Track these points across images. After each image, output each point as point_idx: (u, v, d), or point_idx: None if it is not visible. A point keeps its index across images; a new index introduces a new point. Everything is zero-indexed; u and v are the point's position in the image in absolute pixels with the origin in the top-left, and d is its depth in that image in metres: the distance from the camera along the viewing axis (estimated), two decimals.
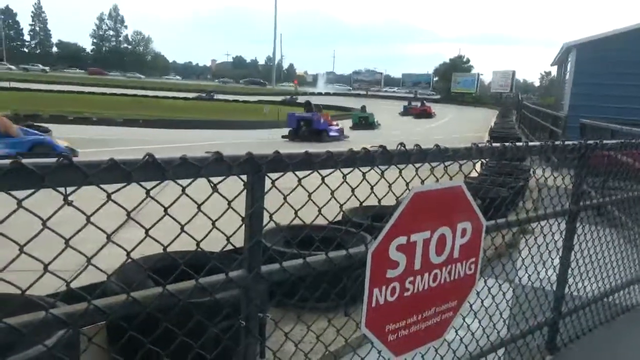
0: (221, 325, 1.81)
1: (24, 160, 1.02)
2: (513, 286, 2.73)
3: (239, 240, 1.48)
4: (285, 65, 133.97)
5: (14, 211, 1.01)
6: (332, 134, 18.26)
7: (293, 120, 18.12)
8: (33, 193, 1.04)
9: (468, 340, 2.39)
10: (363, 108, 28.40)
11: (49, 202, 1.01)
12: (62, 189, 1.08)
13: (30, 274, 1.08)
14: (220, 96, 47.81)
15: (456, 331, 2.19)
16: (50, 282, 1.26)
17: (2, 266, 1.04)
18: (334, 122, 20.03)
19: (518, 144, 2.31)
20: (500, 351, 2.67)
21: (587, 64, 13.83)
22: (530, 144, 2.40)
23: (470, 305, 2.17)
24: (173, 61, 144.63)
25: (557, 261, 2.91)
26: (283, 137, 17.99)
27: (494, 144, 2.18)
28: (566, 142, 2.66)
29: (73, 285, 1.22)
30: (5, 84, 39.47)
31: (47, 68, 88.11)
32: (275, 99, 44.85)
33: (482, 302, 2.34)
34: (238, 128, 22.06)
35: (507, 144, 2.24)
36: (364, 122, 26.44)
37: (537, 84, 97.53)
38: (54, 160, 1.06)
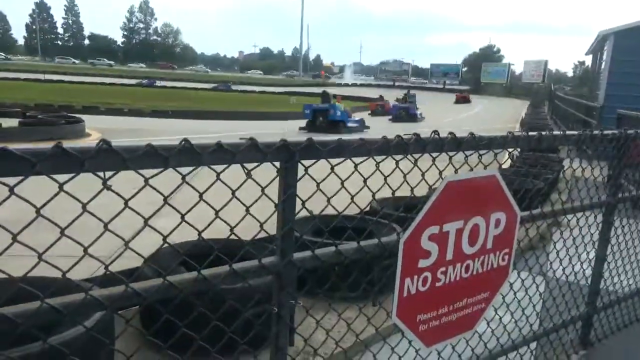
0: (253, 311, 1.83)
1: (65, 145, 1.04)
2: (547, 279, 2.67)
3: (267, 228, 1.48)
4: (312, 56, 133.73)
5: (56, 194, 1.03)
6: (350, 124, 17.79)
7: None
8: (74, 177, 1.06)
9: (500, 332, 2.35)
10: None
11: (82, 191, 1.03)
12: (100, 174, 1.10)
13: (67, 259, 1.09)
14: (248, 87, 47.94)
15: (488, 323, 2.16)
16: (84, 268, 1.28)
17: (42, 250, 1.06)
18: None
19: (555, 132, 2.25)
20: (533, 345, 2.62)
21: (624, 52, 13.33)
22: (568, 132, 2.33)
23: (503, 298, 2.14)
24: (201, 53, 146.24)
25: (592, 255, 2.83)
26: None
27: (530, 133, 2.12)
28: (605, 132, 2.58)
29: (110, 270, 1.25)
30: (40, 76, 40.56)
31: (112, 62, 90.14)
32: (303, 90, 44.75)
33: (514, 294, 2.30)
34: (264, 119, 22.18)
35: (543, 132, 2.18)
36: (404, 113, 25.73)
37: (570, 74, 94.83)
38: (93, 145, 1.08)
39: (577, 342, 2.98)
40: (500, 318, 2.28)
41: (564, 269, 2.62)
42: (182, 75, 66.36)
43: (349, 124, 17.94)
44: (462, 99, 48.53)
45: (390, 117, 25.93)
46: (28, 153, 1.00)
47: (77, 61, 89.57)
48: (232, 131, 13.89)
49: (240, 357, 1.56)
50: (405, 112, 24.47)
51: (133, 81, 43.77)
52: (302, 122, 18.39)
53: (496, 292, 2.05)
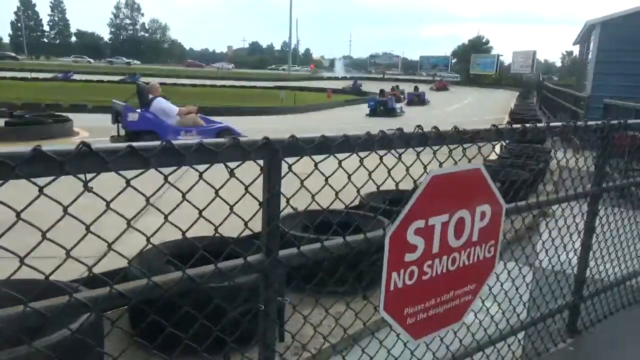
0: (240, 309, 1.83)
1: (44, 147, 1.03)
2: (533, 269, 2.70)
3: (252, 226, 1.48)
4: (301, 50, 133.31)
5: (36, 198, 1.03)
6: (398, 110, 23.38)
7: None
8: (54, 180, 1.06)
9: (487, 323, 2.38)
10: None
11: (66, 193, 1.03)
12: (81, 176, 1.09)
13: (52, 261, 1.10)
14: (241, 82, 47.52)
15: (475, 315, 2.18)
16: (71, 270, 1.28)
17: (25, 253, 1.06)
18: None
19: (539, 124, 2.27)
20: (520, 335, 2.65)
21: (611, 41, 13.42)
22: (552, 124, 2.35)
23: (490, 289, 2.16)
24: (190, 48, 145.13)
25: (578, 244, 2.87)
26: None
27: (514, 125, 2.14)
28: (589, 123, 2.60)
29: (94, 271, 1.25)
30: (27, 75, 40.06)
31: (130, 61, 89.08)
32: (291, 85, 44.56)
33: (501, 285, 2.33)
34: (254, 114, 22.04)
35: (527, 124, 2.20)
36: (417, 99, 30.95)
37: (558, 64, 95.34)
38: (72, 147, 1.07)
39: (565, 330, 3.03)
40: (488, 309, 2.31)
41: (550, 259, 2.65)
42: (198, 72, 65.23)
43: (398, 110, 23.52)
44: (442, 87, 53.45)
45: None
46: (6, 156, 0.99)
47: (91, 60, 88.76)
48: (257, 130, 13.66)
49: (229, 355, 1.57)
50: (418, 98, 31.25)
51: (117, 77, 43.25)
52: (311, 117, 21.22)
53: (483, 284, 2.07)
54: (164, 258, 2.36)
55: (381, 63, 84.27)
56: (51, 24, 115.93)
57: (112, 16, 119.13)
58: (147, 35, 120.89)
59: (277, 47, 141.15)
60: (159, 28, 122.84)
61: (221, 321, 1.54)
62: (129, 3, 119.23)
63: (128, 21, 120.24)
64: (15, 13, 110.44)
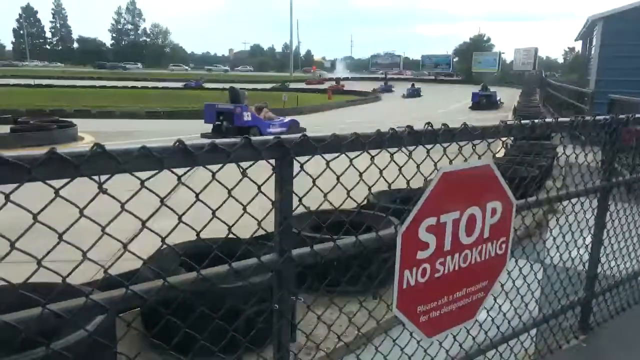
0: (254, 309, 1.83)
1: (60, 150, 1.03)
2: (544, 266, 2.69)
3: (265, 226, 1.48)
4: (302, 52, 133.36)
5: (52, 200, 1.03)
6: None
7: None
8: (69, 182, 1.06)
9: (500, 321, 2.37)
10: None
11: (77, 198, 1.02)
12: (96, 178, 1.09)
13: (66, 264, 1.09)
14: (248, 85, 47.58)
15: (488, 312, 2.17)
16: (84, 272, 1.27)
17: (41, 256, 1.06)
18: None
19: (547, 120, 2.26)
20: (533, 331, 2.64)
21: (613, 36, 13.39)
22: (560, 119, 2.34)
23: (502, 286, 2.15)
24: (191, 52, 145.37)
25: (588, 240, 2.85)
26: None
27: (523, 121, 2.13)
28: (597, 117, 2.59)
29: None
30: (30, 82, 40.28)
31: (190, 67, 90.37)
32: (296, 87, 44.63)
33: (513, 282, 2.32)
34: None
35: (536, 120, 2.19)
36: (485, 100, 28.70)
37: (560, 60, 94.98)
38: (87, 149, 1.07)
39: (577, 327, 3.01)
40: (500, 306, 2.30)
41: (561, 255, 2.64)
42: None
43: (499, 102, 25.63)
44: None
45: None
46: (22, 159, 1.00)
47: (187, 68, 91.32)
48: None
49: (243, 356, 1.56)
50: (487, 99, 28.99)
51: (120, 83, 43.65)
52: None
53: (495, 281, 2.06)
54: (177, 260, 2.36)
55: (382, 63, 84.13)
56: (53, 30, 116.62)
57: (113, 22, 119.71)
58: (148, 40, 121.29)
59: (279, 49, 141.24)
60: (161, 32, 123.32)
61: (235, 322, 1.54)
62: (130, 8, 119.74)
63: (130, 26, 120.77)
64: (17, 20, 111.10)
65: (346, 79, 64.50)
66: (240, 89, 14.29)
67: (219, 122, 12.66)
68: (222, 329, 1.48)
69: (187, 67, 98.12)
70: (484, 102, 27.45)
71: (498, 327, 2.39)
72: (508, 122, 2.07)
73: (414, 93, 40.23)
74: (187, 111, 21.05)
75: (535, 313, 2.63)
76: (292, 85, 46.21)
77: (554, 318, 2.76)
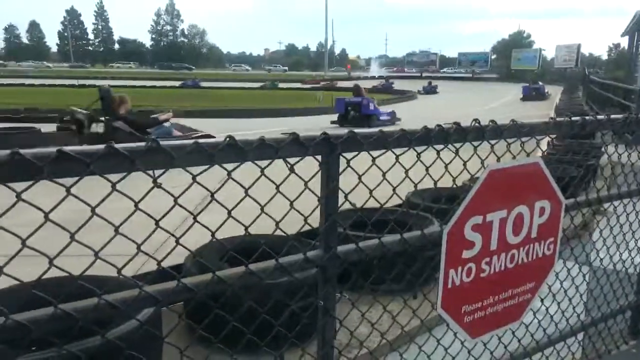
0: (299, 304, 1.84)
1: (117, 145, 1.06)
2: (594, 268, 2.59)
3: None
4: (337, 50, 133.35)
5: (109, 194, 1.06)
6: (382, 118, 17.69)
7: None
8: (125, 176, 1.09)
9: (546, 323, 2.30)
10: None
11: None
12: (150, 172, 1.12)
13: (113, 258, 1.11)
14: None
15: (534, 314, 2.11)
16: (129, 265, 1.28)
17: (97, 249, 1.08)
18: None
19: (599, 116, 2.18)
20: (580, 335, 2.55)
21: None
22: (612, 116, 2.25)
23: (549, 287, 2.09)
24: (227, 52, 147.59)
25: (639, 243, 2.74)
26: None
27: (573, 118, 2.06)
28: None
29: (148, 267, 1.26)
30: (124, 82, 41.46)
31: (192, 67, 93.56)
32: (291, 87, 44.80)
33: (561, 284, 2.25)
34: (293, 115, 22.17)
35: (586, 117, 2.12)
36: (535, 92, 31.35)
37: (604, 57, 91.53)
38: (142, 144, 1.10)
39: (627, 332, 2.89)
40: (547, 308, 2.23)
41: (611, 257, 2.54)
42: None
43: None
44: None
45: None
46: (82, 153, 1.03)
47: (249, 68, 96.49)
48: (259, 128, 13.85)
49: (286, 352, 1.57)
50: (536, 92, 31.62)
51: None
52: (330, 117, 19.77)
53: (542, 282, 2.00)
54: (222, 254, 2.39)
55: (418, 61, 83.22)
56: (95, 32, 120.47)
57: (152, 23, 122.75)
58: (186, 40, 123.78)
59: (313, 48, 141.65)
60: (198, 33, 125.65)
61: (280, 317, 1.55)
62: (169, 10, 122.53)
63: (168, 27, 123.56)
64: (62, 23, 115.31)
65: (381, 77, 64.05)
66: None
67: (347, 112, 16.21)
68: (267, 323, 1.49)
69: (248, 68, 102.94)
70: (533, 94, 30.35)
71: (544, 330, 2.32)
72: (557, 119, 2.01)
73: (431, 90, 40.31)
74: (220, 110, 21.33)
75: (583, 316, 2.54)
76: (292, 85, 46.22)
77: (603, 322, 2.66)
